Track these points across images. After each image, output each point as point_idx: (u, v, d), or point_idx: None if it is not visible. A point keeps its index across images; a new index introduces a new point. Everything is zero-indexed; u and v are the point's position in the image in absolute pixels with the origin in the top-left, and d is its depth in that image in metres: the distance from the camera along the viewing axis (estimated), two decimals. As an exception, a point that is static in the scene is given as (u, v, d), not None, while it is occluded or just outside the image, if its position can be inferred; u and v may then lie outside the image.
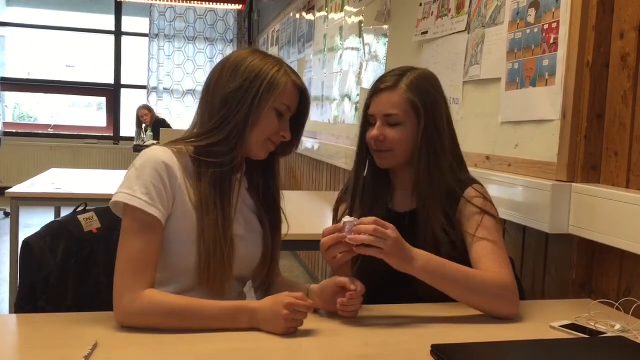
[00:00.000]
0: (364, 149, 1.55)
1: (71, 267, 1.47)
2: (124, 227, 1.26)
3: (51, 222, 1.51)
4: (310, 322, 1.22)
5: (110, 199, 1.28)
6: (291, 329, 1.18)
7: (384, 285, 1.40)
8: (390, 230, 1.24)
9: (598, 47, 1.60)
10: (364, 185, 1.56)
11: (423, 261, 1.28)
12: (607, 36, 1.59)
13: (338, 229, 1.28)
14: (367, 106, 1.53)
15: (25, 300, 1.41)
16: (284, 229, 1.49)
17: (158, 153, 1.30)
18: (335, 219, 1.64)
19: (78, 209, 1.55)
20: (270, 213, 1.47)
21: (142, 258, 1.23)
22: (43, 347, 1.09)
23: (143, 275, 1.21)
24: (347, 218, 1.27)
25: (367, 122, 1.53)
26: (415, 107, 1.46)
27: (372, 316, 1.32)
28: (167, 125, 7.48)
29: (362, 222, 1.25)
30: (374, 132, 1.49)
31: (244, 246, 1.37)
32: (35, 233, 1.46)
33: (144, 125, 7.62)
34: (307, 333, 1.19)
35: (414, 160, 1.48)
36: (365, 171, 1.57)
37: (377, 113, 1.49)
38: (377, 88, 1.50)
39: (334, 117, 4.17)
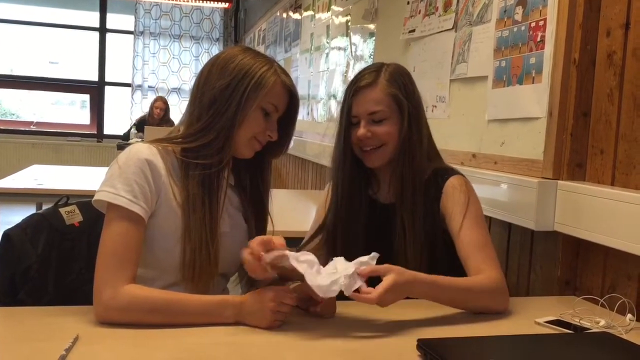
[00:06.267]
0: (348, 152, 1.51)
1: (52, 260, 1.44)
2: (106, 224, 1.24)
3: (32, 215, 1.48)
4: (295, 316, 1.21)
5: (93, 196, 1.26)
6: (277, 322, 1.16)
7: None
8: (373, 295, 1.14)
9: (585, 45, 1.60)
10: (347, 185, 1.53)
11: (415, 293, 1.24)
12: (594, 34, 1.60)
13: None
14: (349, 107, 1.49)
15: (5, 293, 1.39)
16: (269, 229, 1.48)
17: (142, 150, 1.29)
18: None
19: (60, 202, 1.52)
20: (255, 211, 1.46)
21: (123, 254, 1.21)
22: (23, 341, 1.07)
23: (124, 270, 1.19)
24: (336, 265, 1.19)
25: (349, 124, 1.50)
26: (398, 100, 1.47)
27: (358, 311, 1.31)
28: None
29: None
30: (360, 131, 1.47)
31: (229, 243, 1.36)
32: (16, 225, 1.43)
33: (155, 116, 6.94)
34: (292, 327, 1.18)
35: (397, 153, 1.47)
36: (346, 173, 1.52)
37: (362, 113, 1.47)
38: (357, 87, 1.47)
39: (320, 116, 4.16)
